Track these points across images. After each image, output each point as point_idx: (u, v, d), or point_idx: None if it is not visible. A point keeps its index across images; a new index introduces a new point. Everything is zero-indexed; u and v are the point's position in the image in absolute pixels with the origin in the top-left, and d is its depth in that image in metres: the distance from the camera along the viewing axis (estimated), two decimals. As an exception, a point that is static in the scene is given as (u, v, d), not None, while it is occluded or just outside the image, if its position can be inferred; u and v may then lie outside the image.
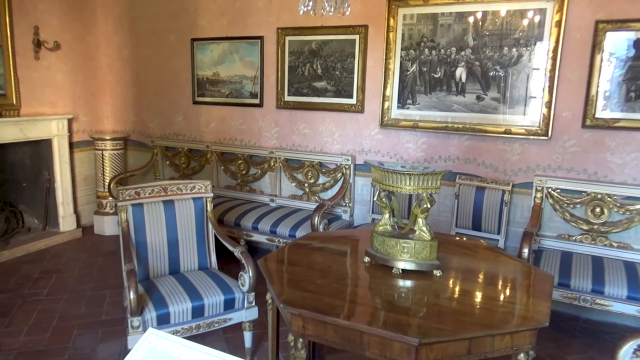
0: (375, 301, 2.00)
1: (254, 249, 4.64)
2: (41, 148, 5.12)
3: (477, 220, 3.65)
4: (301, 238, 3.12)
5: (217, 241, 3.28)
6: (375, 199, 2.24)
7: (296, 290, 2.02)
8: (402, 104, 4.01)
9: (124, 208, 3.02)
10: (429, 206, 2.08)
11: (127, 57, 5.53)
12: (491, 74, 3.65)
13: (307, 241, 2.91)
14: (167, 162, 5.36)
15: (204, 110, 5.12)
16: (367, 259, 2.30)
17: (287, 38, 4.46)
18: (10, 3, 4.68)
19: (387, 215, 2.25)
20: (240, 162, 4.86)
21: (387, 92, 4.04)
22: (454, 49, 3.76)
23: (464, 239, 2.91)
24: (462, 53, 3.73)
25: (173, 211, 3.14)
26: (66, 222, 5.26)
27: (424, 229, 2.12)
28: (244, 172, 4.87)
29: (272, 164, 4.66)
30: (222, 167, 4.98)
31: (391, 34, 3.95)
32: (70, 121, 5.25)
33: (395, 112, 4.05)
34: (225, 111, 4.97)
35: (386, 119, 4.08)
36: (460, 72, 3.76)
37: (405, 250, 2.12)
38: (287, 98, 4.56)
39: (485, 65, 3.67)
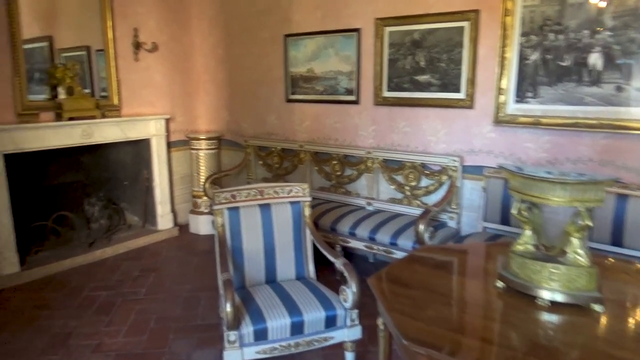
0: (516, 341, 1.62)
1: (349, 255, 4.37)
2: (141, 148, 5.23)
3: (618, 234, 3.08)
4: (415, 251, 2.78)
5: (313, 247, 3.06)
6: (513, 212, 1.86)
7: (418, 321, 1.69)
8: (520, 97, 3.53)
9: (220, 212, 2.88)
10: (589, 224, 1.66)
11: (221, 57, 5.50)
12: (634, 60, 3.07)
13: (422, 254, 2.58)
14: (260, 162, 5.25)
15: (297, 109, 4.93)
16: (500, 283, 1.92)
17: (387, 29, 4.12)
18: (112, 8, 4.80)
19: (528, 232, 1.85)
20: (334, 162, 4.61)
21: (503, 85, 3.57)
22: (586, 31, 3.22)
23: (610, 259, 2.41)
24: (598, 36, 3.17)
25: (269, 216, 2.95)
26: (164, 220, 5.34)
27: (580, 251, 1.70)
28: (338, 173, 4.61)
29: (369, 164, 4.35)
30: (316, 168, 4.77)
31: (508, 19, 3.48)
32: (167, 121, 5.31)
33: (512, 107, 3.57)
34: (320, 109, 4.75)
35: (501, 114, 3.62)
36: (595, 59, 3.21)
37: (555, 277, 1.72)
38: (386, 94, 4.23)
39: (627, 50, 3.09)
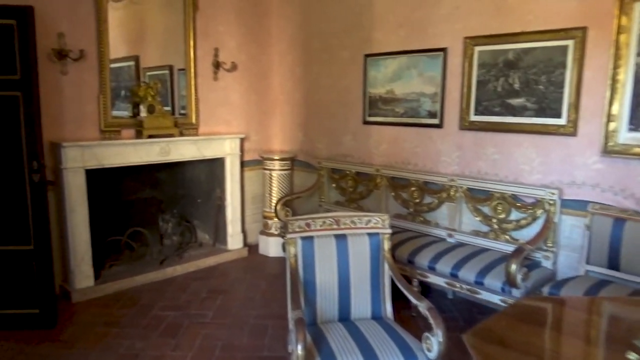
0: None
1: (426, 289, 4.04)
2: (215, 166, 5.22)
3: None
4: (518, 302, 2.44)
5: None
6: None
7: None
8: (635, 125, 3.08)
9: (293, 241, 2.69)
10: None
11: (298, 76, 5.42)
12: None
13: (527, 303, 2.24)
14: (333, 185, 5.07)
15: (374, 131, 4.71)
16: (633, 355, 1.56)
17: (477, 48, 3.82)
18: (195, 28, 4.86)
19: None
20: (413, 188, 4.32)
21: (614, 111, 3.15)
22: None
23: None
24: None
25: (345, 247, 2.72)
26: (234, 240, 5.28)
27: None
28: (417, 200, 4.31)
29: (452, 193, 4.02)
30: (393, 194, 4.50)
31: (622, 36, 3.07)
32: (242, 140, 5.28)
33: (625, 136, 3.13)
34: (399, 132, 4.50)
35: (611, 144, 3.18)
36: None
37: None
38: (473, 118, 3.91)
39: None
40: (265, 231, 5.39)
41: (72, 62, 4.10)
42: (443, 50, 4.05)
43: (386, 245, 2.79)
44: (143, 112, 4.53)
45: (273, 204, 5.23)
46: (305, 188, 5.24)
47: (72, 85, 4.16)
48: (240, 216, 5.36)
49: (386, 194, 4.57)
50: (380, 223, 2.80)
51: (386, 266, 2.79)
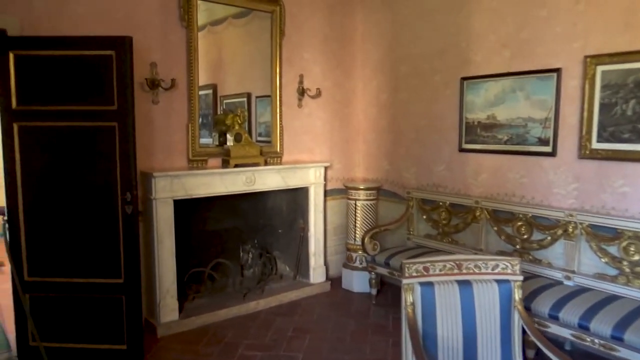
0: None
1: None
2: (298, 195, 5.03)
3: None
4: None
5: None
6: None
7: None
8: None
9: (410, 287, 2.39)
10: None
11: (384, 102, 5.17)
12: None
13: None
14: (424, 217, 4.72)
15: (472, 159, 4.35)
16: None
17: (599, 68, 3.41)
18: (281, 54, 4.75)
19: None
20: (520, 223, 3.90)
21: None
22: None
23: None
24: None
25: (471, 296, 2.38)
26: (316, 273, 5.03)
27: None
28: (525, 236, 3.89)
29: (570, 229, 3.57)
30: (495, 228, 4.09)
31: None
32: (326, 169, 5.07)
33: None
34: (501, 160, 4.11)
35: None
36: None
37: None
38: (596, 145, 3.47)
39: None
40: (348, 264, 5.10)
41: (163, 91, 4.07)
42: (556, 71, 3.66)
43: (517, 294, 2.42)
44: (230, 141, 4.43)
45: (357, 236, 4.96)
46: (393, 220, 4.92)
47: (163, 114, 4.13)
48: (324, 248, 5.11)
49: (486, 229, 4.17)
50: (509, 268, 2.45)
51: (517, 317, 2.42)
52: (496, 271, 2.45)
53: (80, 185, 3.43)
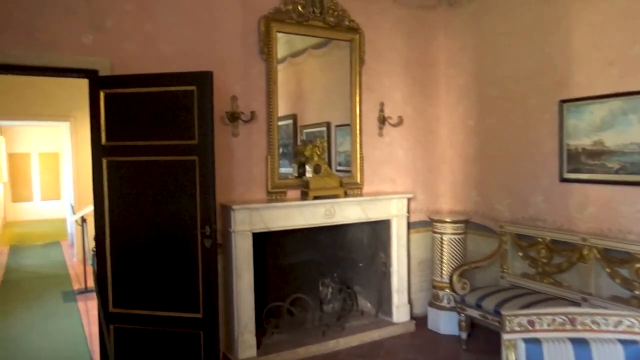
0: None
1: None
2: (379, 227, 4.79)
3: None
4: None
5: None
6: None
7: None
8: None
9: (513, 344, 2.06)
10: None
11: (471, 128, 4.83)
12: None
13: None
14: (520, 254, 4.27)
15: (576, 190, 3.88)
16: None
17: None
18: (361, 82, 4.62)
19: None
20: (638, 265, 3.37)
21: None
22: None
23: None
24: None
25: (588, 359, 2.00)
26: (400, 312, 4.71)
27: None
28: (645, 280, 3.35)
29: None
30: (607, 270, 3.57)
31: None
32: (409, 200, 4.79)
33: None
34: (613, 192, 3.61)
35: None
36: None
37: None
38: None
39: None
40: (434, 303, 4.73)
41: (243, 123, 4.07)
42: (680, 89, 3.17)
43: (649, 359, 2.00)
44: (309, 172, 4.32)
45: (444, 272, 4.60)
46: (484, 256, 4.51)
47: (242, 146, 4.12)
48: (407, 284, 4.79)
49: (596, 270, 3.65)
50: (637, 326, 2.03)
51: (649, 388, 1.99)
52: (620, 329, 2.04)
53: (161, 218, 3.46)
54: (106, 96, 3.38)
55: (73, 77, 3.68)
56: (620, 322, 2.05)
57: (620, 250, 3.49)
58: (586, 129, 3.76)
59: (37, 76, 3.88)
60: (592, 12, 3.71)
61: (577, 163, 3.85)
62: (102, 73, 3.50)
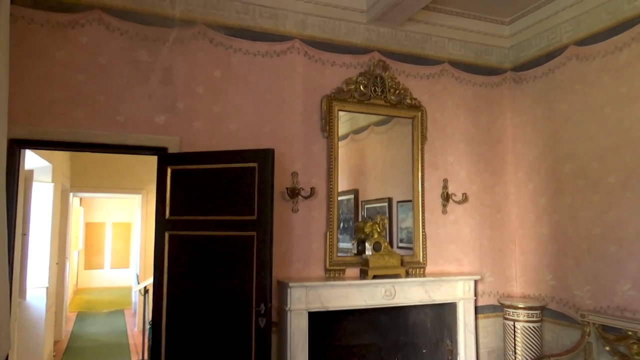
0: None
1: None
2: (444, 311, 4.48)
3: None
4: None
5: None
6: None
7: None
8: None
9: None
10: None
11: (543, 207, 4.54)
12: None
13: None
14: (607, 348, 3.79)
15: (670, 278, 3.46)
16: None
17: None
18: (423, 159, 4.54)
19: None
20: None
21: None
22: None
23: None
24: None
25: None
26: (468, 408, 4.26)
27: None
28: None
29: None
30: None
31: None
32: (476, 282, 4.48)
33: None
34: None
35: None
36: None
37: None
38: None
39: None
40: (510, 400, 4.25)
41: (303, 199, 4.06)
42: None
43: None
44: (368, 250, 4.17)
45: (519, 365, 4.16)
46: (564, 349, 4.06)
47: (301, 222, 4.09)
48: (476, 376, 4.37)
49: None
50: None
51: None
52: None
53: (217, 293, 3.43)
54: (172, 172, 3.51)
55: (145, 154, 3.88)
56: None
57: None
58: (677, 209, 3.41)
59: (114, 153, 4.16)
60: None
61: (668, 247, 3.46)
62: (171, 150, 3.67)
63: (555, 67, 4.46)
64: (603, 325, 3.84)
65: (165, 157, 3.60)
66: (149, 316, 5.04)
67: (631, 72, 3.80)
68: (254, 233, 3.39)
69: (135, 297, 8.97)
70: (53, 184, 5.96)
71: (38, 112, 3.45)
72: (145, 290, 6.79)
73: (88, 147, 3.68)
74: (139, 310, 8.14)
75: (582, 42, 4.20)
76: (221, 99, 3.92)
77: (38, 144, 3.57)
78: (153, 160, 3.76)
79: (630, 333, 3.61)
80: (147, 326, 3.64)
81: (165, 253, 3.51)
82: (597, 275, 3.99)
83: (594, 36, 4.10)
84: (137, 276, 8.26)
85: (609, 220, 3.91)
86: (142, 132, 3.68)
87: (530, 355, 4.12)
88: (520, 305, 4.26)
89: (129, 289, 11.46)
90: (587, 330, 3.93)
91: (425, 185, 4.55)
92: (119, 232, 14.54)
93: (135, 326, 8.49)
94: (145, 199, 8.38)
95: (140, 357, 6.47)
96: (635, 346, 3.57)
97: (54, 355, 6.59)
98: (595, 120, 4.07)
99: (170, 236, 3.49)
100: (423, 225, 4.50)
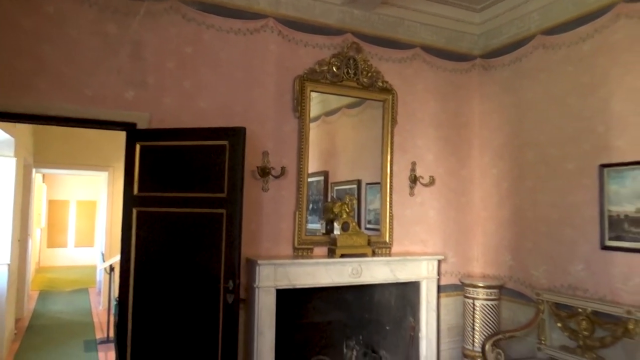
0: None
1: None
2: (408, 290, 4.62)
3: None
4: None
5: None
6: None
7: None
8: None
9: None
10: None
11: (505, 192, 4.71)
12: None
13: None
14: (558, 324, 4.01)
15: (619, 260, 3.67)
16: None
17: None
18: (392, 142, 4.62)
19: None
20: (692, 345, 3.10)
21: None
22: None
23: None
24: None
25: None
26: (429, 381, 4.44)
27: None
28: (700, 363, 3.06)
29: None
30: (657, 349, 3.30)
31: None
32: (439, 262, 4.63)
33: None
34: (659, 263, 3.40)
35: None
36: None
37: None
38: None
39: None
40: (466, 374, 4.46)
41: (273, 179, 4.09)
42: None
43: None
44: (336, 230, 4.26)
45: (476, 341, 4.37)
46: (519, 325, 4.27)
47: (272, 201, 4.12)
48: (436, 351, 4.55)
49: (645, 348, 3.38)
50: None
51: None
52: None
53: (186, 270, 3.45)
54: (141, 148, 3.48)
55: (113, 129, 3.82)
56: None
57: (671, 327, 3.23)
58: (629, 195, 3.60)
59: (81, 128, 4.07)
60: (634, 77, 3.64)
61: (619, 230, 3.66)
62: (140, 126, 3.63)
63: (522, 55, 4.59)
64: (556, 303, 4.05)
65: (134, 133, 3.56)
66: (115, 294, 5.02)
67: (593, 63, 3.95)
68: (224, 211, 3.41)
69: (101, 276, 8.87)
70: (15, 158, 5.79)
71: (0, 83, 3.34)
72: (111, 269, 6.74)
73: (54, 121, 3.57)
74: (104, 289, 8.07)
75: (549, 31, 4.33)
76: (192, 76, 3.88)
77: (0, 116, 3.47)
78: (121, 136, 3.71)
79: (580, 310, 3.83)
80: (113, 303, 3.63)
81: (133, 230, 3.49)
82: (553, 256, 4.19)
83: (561, 26, 4.22)
84: (103, 255, 8.15)
85: (566, 205, 4.10)
86: (110, 108, 3.61)
87: (487, 331, 4.31)
88: (479, 284, 4.44)
89: (94, 268, 11.30)
90: (542, 308, 4.13)
91: (394, 167, 4.64)
92: (83, 210, 14.25)
93: (100, 304, 8.41)
94: (112, 177, 8.23)
95: (105, 335, 6.44)
96: (584, 322, 3.78)
97: (15, 333, 6.48)
98: (557, 109, 4.22)
99: (138, 213, 3.47)
100: (390, 207, 4.60)
